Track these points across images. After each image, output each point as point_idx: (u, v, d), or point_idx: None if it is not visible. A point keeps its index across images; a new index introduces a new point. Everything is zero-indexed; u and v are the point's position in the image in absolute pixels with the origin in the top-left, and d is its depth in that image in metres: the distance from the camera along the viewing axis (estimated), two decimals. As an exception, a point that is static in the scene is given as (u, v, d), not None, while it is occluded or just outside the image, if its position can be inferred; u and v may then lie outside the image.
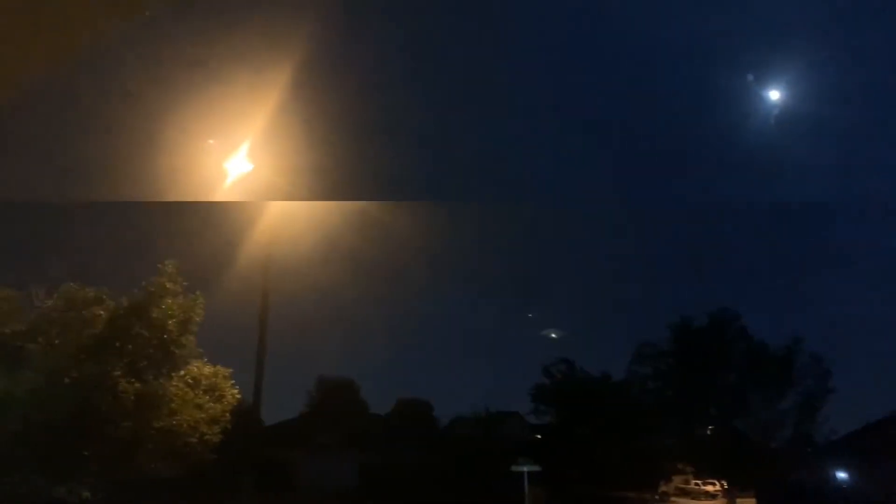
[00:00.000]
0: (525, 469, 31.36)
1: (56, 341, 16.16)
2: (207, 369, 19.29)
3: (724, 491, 41.80)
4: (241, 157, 20.23)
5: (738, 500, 38.70)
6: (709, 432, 38.93)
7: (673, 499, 50.19)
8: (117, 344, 16.47)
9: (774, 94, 27.47)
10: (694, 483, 51.75)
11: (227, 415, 19.19)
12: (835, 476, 40.86)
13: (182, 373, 18.69)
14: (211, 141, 20.10)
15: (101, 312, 16.67)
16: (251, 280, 21.32)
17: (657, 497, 50.11)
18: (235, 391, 19.63)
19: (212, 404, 18.89)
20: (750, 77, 29.02)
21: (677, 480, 51.55)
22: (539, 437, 53.47)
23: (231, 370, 19.68)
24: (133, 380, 16.77)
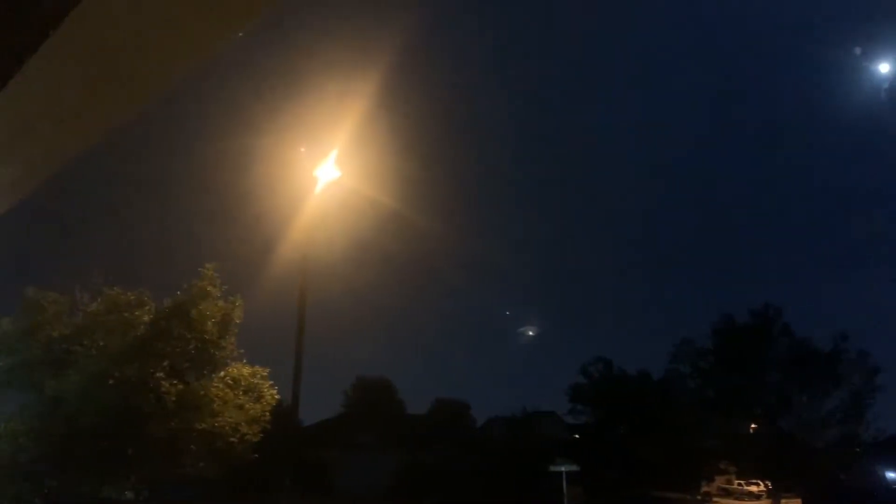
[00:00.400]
0: (563, 469, 31.08)
1: (100, 344, 16.53)
2: (246, 370, 19.54)
3: (768, 491, 40.93)
4: (329, 164, 20.43)
5: (783, 502, 37.86)
6: (752, 431, 38.14)
7: (715, 499, 49.31)
8: (159, 345, 16.77)
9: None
10: (737, 483, 50.75)
11: (267, 415, 19.42)
12: (884, 476, 39.69)
13: (222, 374, 18.99)
14: (302, 149, 20.39)
15: (143, 315, 16.99)
16: (288, 281, 21.65)
17: (699, 497, 49.32)
18: (274, 391, 19.82)
19: (251, 405, 19.13)
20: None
21: (720, 481, 50.63)
22: (577, 436, 53.11)
23: (269, 370, 19.92)
24: (175, 381, 17.09)
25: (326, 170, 20.12)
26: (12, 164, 1.97)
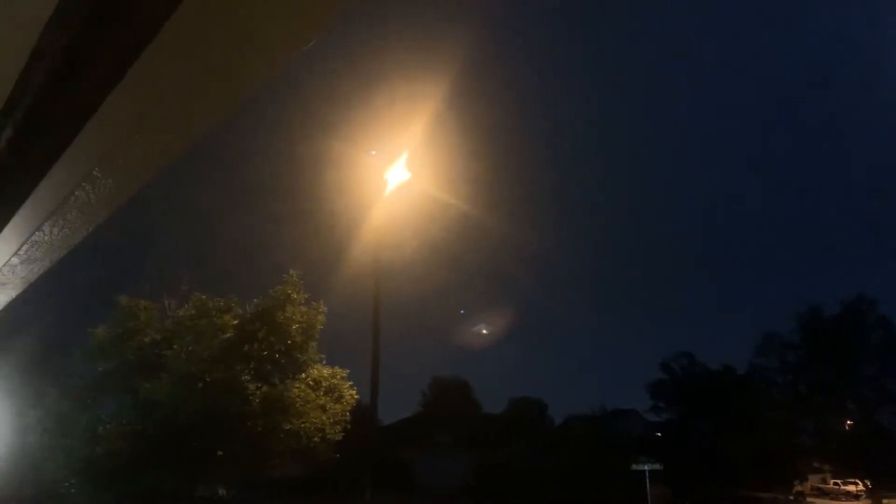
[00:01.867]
0: (646, 468, 30.36)
1: (189, 348, 17.18)
2: (326, 371, 19.93)
3: (867, 491, 38.85)
4: (399, 166, 20.70)
5: (885, 502, 35.85)
6: (847, 428, 36.30)
7: (810, 499, 47.16)
8: (245, 349, 17.30)
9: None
10: (833, 483, 48.41)
11: (347, 415, 19.77)
12: None
13: (303, 375, 19.43)
14: (373, 152, 20.72)
15: (231, 319, 17.56)
16: (360, 282, 21.99)
17: (791, 497, 47.26)
18: (353, 391, 20.14)
19: (332, 405, 19.51)
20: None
21: (814, 480, 48.41)
22: (659, 434, 51.82)
23: (348, 371, 20.26)
24: (260, 384, 17.62)
25: (397, 172, 20.26)
26: (117, 169, 2.01)
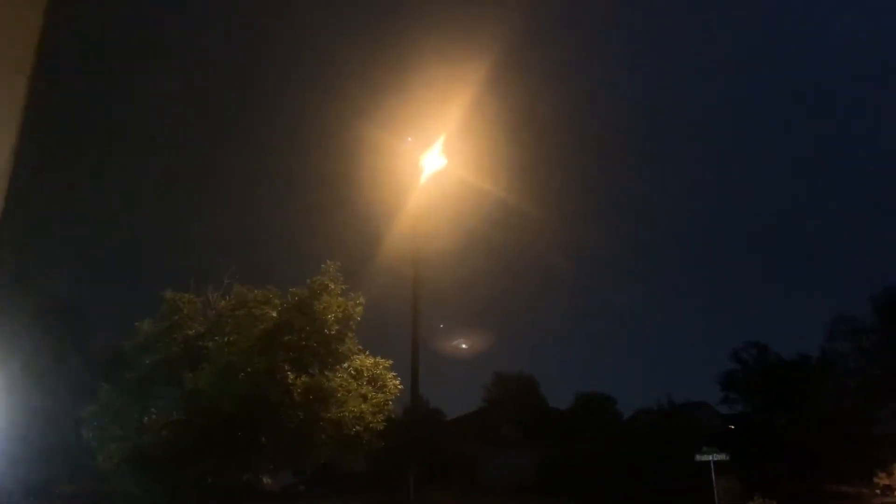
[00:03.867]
0: (710, 458, 29.15)
1: (231, 338, 17.49)
2: (369, 361, 19.97)
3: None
4: (435, 153, 20.47)
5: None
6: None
7: (899, 493, 44.31)
8: (284, 339, 17.49)
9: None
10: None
11: (390, 403, 19.75)
12: None
13: (346, 365, 19.53)
14: (409, 139, 20.62)
15: (270, 310, 17.79)
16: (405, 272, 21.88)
17: (878, 491, 44.56)
18: (397, 381, 20.07)
19: (374, 394, 19.53)
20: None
21: (902, 472, 45.40)
22: (732, 427, 49.90)
23: (391, 361, 20.21)
24: (300, 373, 17.79)
25: (433, 158, 20.04)
26: None
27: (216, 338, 17.69)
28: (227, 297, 18.57)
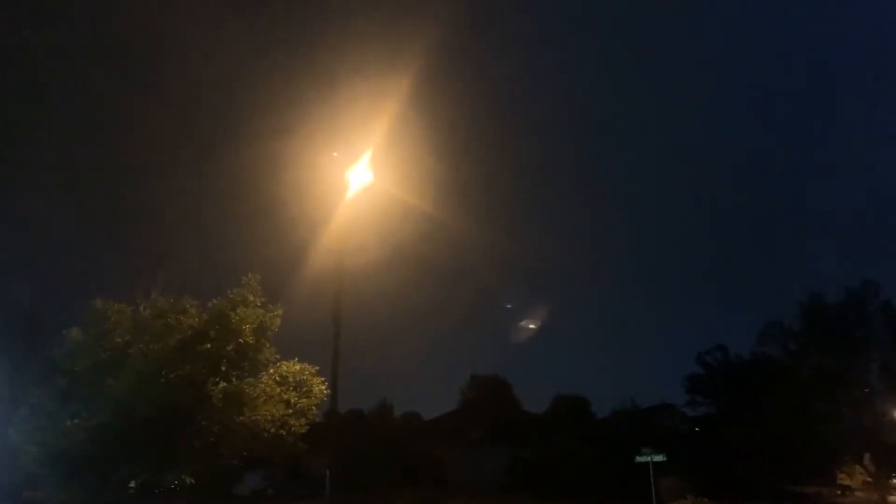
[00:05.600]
0: (649, 459, 29.95)
1: (151, 346, 18.41)
2: (296, 367, 20.85)
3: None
4: (362, 167, 21.04)
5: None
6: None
7: (858, 493, 44.87)
8: (199, 348, 18.40)
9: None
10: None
11: (314, 409, 20.62)
12: None
13: (271, 371, 20.43)
14: (335, 153, 21.22)
15: (186, 319, 18.69)
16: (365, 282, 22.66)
17: (839, 492, 45.15)
18: (323, 387, 20.86)
19: (300, 399, 20.42)
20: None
21: (861, 473, 46.01)
22: (697, 429, 50.63)
23: (317, 368, 21.02)
24: (218, 380, 18.72)
25: (359, 173, 20.81)
26: None
27: (139, 345, 18.58)
28: (145, 307, 19.46)
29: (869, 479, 42.75)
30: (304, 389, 20.72)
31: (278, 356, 20.13)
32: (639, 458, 30.59)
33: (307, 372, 20.88)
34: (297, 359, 21.18)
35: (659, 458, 30.16)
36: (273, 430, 18.94)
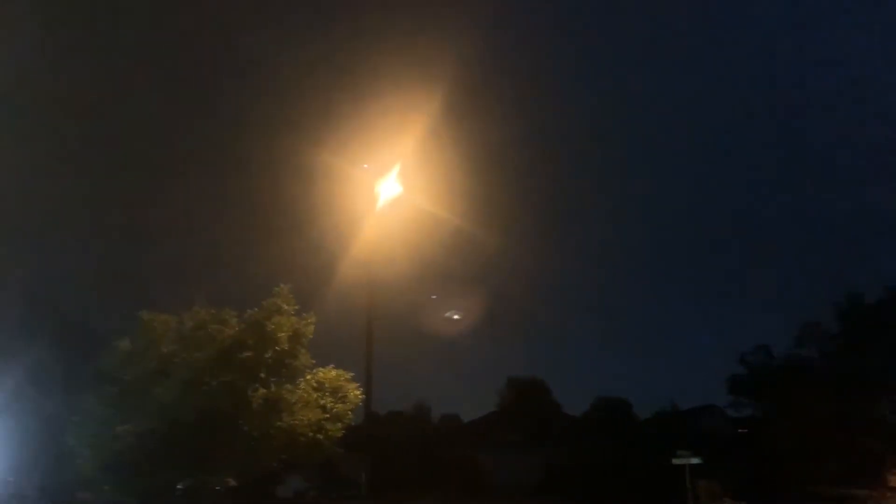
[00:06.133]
0: (685, 462, 29.95)
1: (194, 355, 19.41)
2: (332, 373, 21.67)
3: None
4: (391, 180, 21.64)
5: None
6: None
7: (907, 496, 43.76)
8: (238, 356, 19.33)
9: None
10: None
11: (349, 413, 21.38)
12: None
13: (308, 377, 21.29)
14: (365, 166, 21.94)
15: (225, 329, 19.65)
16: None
17: (889, 494, 44.10)
18: (358, 392, 21.61)
19: (336, 405, 21.22)
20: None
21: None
22: (741, 430, 49.99)
23: (352, 374, 21.77)
24: (257, 386, 19.65)
25: (388, 185, 21.50)
26: None
27: (183, 355, 19.60)
28: (185, 318, 20.46)
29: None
30: (340, 395, 21.50)
31: (314, 362, 20.95)
32: (675, 461, 30.58)
33: (342, 378, 21.66)
34: (332, 365, 22.01)
35: (695, 460, 30.10)
36: (310, 434, 19.74)
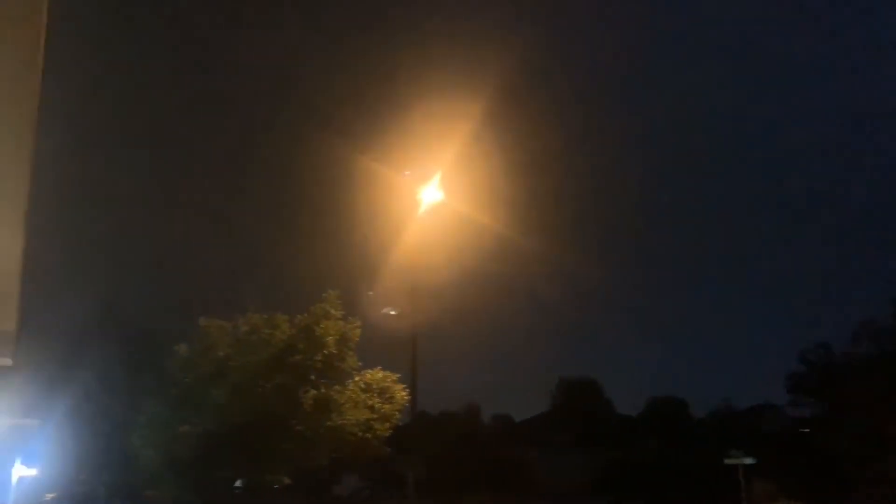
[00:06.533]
0: (738, 462, 29.58)
1: (248, 359, 20.32)
2: (379, 375, 22.35)
3: None
4: (433, 186, 22.13)
5: None
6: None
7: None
8: (289, 359, 20.17)
9: None
10: None
11: (396, 413, 22.00)
12: None
13: (357, 378, 22.01)
14: (407, 172, 22.54)
15: (277, 334, 20.52)
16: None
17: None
18: (405, 393, 22.21)
19: (384, 405, 21.88)
20: None
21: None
22: (802, 430, 48.78)
23: (399, 375, 22.40)
24: (308, 388, 20.47)
25: (430, 192, 22.01)
26: None
27: (238, 359, 20.54)
28: (243, 323, 21.39)
29: None
30: (387, 396, 22.14)
31: (360, 364, 21.63)
32: (727, 461, 30.22)
33: (389, 379, 22.31)
34: (379, 367, 22.69)
35: (749, 460, 29.69)
36: (359, 433, 20.43)
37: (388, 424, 21.66)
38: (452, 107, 24.76)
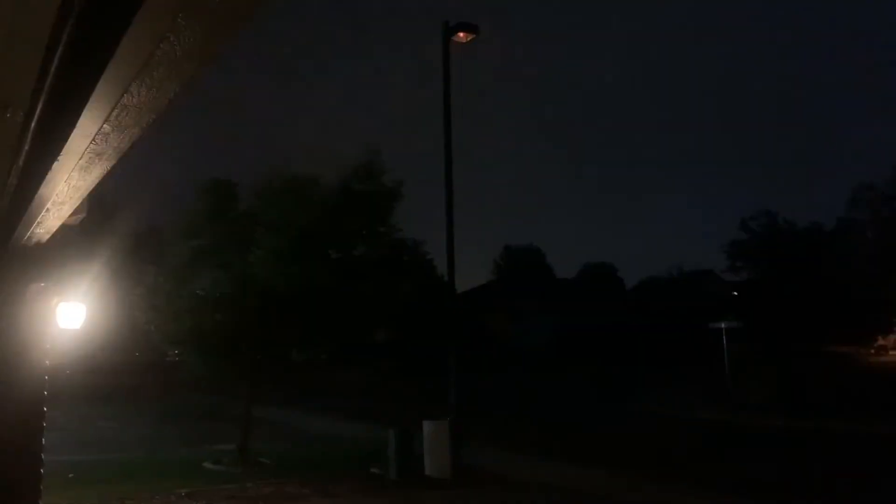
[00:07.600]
0: (723, 325, 30.47)
1: (281, 223, 17.26)
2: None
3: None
4: None
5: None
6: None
7: (892, 352, 46.77)
8: (332, 223, 17.45)
9: None
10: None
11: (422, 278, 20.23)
12: None
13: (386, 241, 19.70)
14: None
15: (317, 195, 17.58)
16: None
17: (872, 350, 46.97)
18: (430, 259, 20.35)
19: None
20: None
21: (900, 333, 47.81)
22: (736, 293, 51.62)
23: (426, 240, 20.43)
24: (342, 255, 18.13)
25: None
26: (202, 14, 1.80)
27: (265, 222, 17.49)
28: (271, 181, 18.08)
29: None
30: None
31: (401, 228, 19.25)
32: (712, 325, 31.07)
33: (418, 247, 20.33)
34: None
35: (733, 324, 30.64)
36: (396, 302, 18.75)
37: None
38: None
